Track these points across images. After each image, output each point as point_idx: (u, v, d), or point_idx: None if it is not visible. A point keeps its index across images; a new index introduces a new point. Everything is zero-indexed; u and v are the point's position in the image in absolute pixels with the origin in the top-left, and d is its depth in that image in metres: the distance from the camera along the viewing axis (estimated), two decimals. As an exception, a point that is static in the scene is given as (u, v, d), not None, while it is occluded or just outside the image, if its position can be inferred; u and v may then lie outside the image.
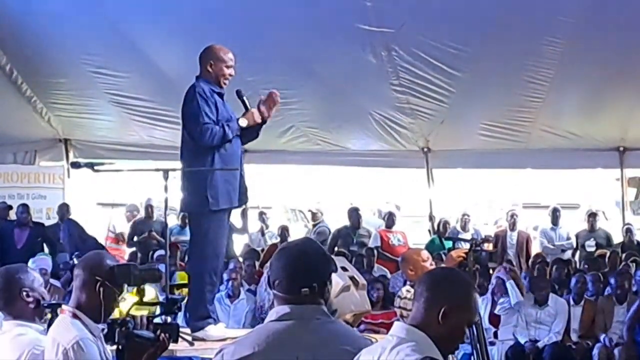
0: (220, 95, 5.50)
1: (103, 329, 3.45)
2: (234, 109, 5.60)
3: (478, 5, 9.38)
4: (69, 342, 3.31)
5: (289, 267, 2.92)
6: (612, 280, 9.34)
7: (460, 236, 12.62)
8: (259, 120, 5.53)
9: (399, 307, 5.77)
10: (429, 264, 5.85)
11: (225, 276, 9.09)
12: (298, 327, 2.86)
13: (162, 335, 3.37)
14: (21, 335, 3.68)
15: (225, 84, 5.50)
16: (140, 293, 3.48)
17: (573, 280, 9.51)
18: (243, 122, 5.46)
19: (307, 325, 2.86)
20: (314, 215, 13.40)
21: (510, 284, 9.04)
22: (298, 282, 2.90)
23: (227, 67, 5.48)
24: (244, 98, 5.56)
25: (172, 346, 3.60)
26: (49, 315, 3.93)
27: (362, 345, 2.88)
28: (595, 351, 8.88)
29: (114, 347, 3.41)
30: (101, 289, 3.41)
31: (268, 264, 9.86)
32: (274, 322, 2.89)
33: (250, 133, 5.63)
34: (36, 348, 3.60)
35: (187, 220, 5.86)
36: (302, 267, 2.92)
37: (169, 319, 3.62)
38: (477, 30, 9.69)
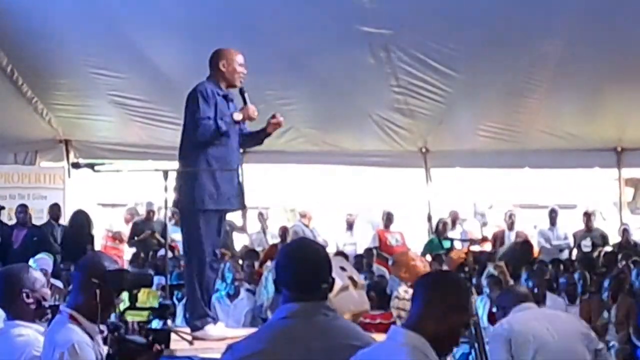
0: (225, 97, 5.56)
1: (103, 331, 3.47)
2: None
3: (476, 7, 9.42)
4: (64, 344, 3.33)
5: (300, 267, 2.96)
6: (605, 282, 9.37)
7: (449, 234, 12.69)
8: (253, 115, 5.59)
9: (397, 308, 5.79)
10: (419, 262, 5.92)
11: (227, 275, 9.13)
12: (307, 323, 2.89)
13: (157, 346, 3.36)
14: (21, 335, 3.70)
15: (241, 82, 5.60)
16: (133, 298, 3.49)
17: (562, 281, 9.55)
18: (237, 116, 5.54)
19: (315, 321, 2.90)
20: (303, 216, 13.49)
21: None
22: (309, 281, 2.94)
23: (240, 65, 5.59)
24: (245, 95, 5.64)
25: (171, 345, 3.63)
26: (50, 316, 3.94)
27: (368, 341, 2.94)
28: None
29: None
30: (98, 291, 3.42)
31: (271, 264, 9.82)
32: (283, 319, 2.92)
33: (254, 139, 5.79)
34: (35, 349, 3.61)
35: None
36: (311, 266, 2.97)
37: (169, 323, 3.64)
38: (475, 32, 9.72)
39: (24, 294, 3.78)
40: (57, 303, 3.84)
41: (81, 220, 11.90)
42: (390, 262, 6.52)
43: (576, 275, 9.73)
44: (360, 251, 11.90)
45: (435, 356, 2.79)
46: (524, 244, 11.87)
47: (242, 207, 5.76)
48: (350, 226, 13.29)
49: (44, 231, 11.80)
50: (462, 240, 12.64)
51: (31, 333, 3.71)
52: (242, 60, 5.62)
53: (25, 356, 3.60)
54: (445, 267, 6.11)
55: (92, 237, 12.12)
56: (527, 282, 9.31)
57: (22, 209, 11.73)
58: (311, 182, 16.20)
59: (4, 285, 3.86)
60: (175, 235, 12.13)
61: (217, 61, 5.57)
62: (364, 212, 14.65)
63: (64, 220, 12.49)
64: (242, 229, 12.90)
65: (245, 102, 5.63)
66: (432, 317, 2.81)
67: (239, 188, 5.63)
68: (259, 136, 5.80)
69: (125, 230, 13.18)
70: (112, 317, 3.50)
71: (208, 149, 5.43)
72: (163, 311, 3.57)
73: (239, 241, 12.94)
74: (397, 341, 2.81)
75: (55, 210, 12.21)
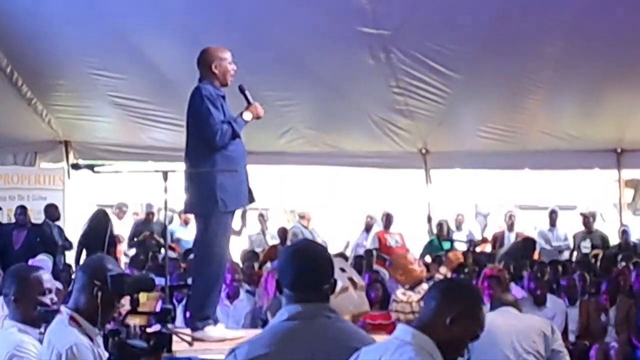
0: (223, 97, 5.56)
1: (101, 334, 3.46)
2: (237, 104, 5.66)
3: (476, 8, 9.43)
4: (63, 346, 3.34)
5: (302, 267, 2.96)
6: (603, 283, 9.38)
7: (454, 236, 12.73)
8: (261, 113, 5.61)
9: (396, 311, 5.77)
10: (417, 266, 5.91)
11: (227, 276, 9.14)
12: (310, 325, 2.89)
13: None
14: (11, 334, 3.70)
15: (231, 80, 5.57)
16: (134, 302, 3.47)
17: (562, 282, 9.57)
18: (247, 116, 5.53)
19: (318, 323, 2.90)
20: (302, 218, 13.53)
21: (514, 286, 9.09)
22: (312, 281, 2.94)
23: (229, 63, 5.55)
24: (246, 92, 5.63)
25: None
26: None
27: (371, 343, 2.93)
28: (592, 352, 8.90)
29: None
30: (99, 294, 3.43)
31: (270, 265, 9.77)
32: (286, 322, 2.92)
33: None
34: (18, 350, 3.61)
35: (195, 220, 5.87)
36: (313, 266, 2.97)
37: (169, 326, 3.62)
38: (475, 33, 9.74)
39: (19, 296, 3.79)
40: (53, 309, 3.80)
41: (102, 220, 11.94)
42: (387, 263, 6.52)
43: (576, 277, 9.74)
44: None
45: (442, 359, 2.80)
46: (526, 241, 11.90)
47: (252, 201, 5.71)
48: (368, 228, 13.28)
49: (45, 231, 11.81)
50: (463, 242, 12.69)
51: (18, 335, 3.70)
52: (231, 56, 5.58)
53: (6, 356, 3.59)
54: (443, 269, 6.10)
55: (114, 238, 12.21)
56: (529, 284, 9.33)
57: (22, 210, 11.73)
58: (311, 183, 16.20)
59: (5, 285, 3.88)
60: (181, 234, 12.23)
61: (208, 63, 5.52)
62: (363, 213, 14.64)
63: (64, 220, 12.50)
64: (239, 232, 12.90)
65: (248, 101, 5.62)
66: (442, 322, 2.82)
67: (247, 185, 5.63)
68: None
69: (119, 228, 13.20)
70: (111, 323, 3.48)
71: (223, 149, 5.42)
72: (164, 315, 3.55)
73: (235, 244, 12.93)
74: (404, 340, 2.82)
75: (51, 211, 12.21)
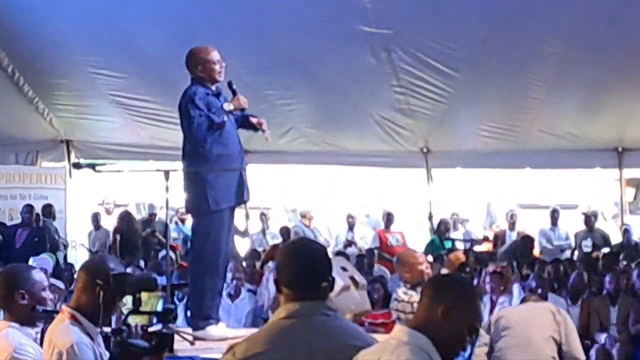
0: (216, 95, 5.59)
1: (101, 332, 3.47)
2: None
3: (477, 7, 9.43)
4: (64, 345, 3.34)
5: (300, 265, 2.96)
6: (607, 282, 9.38)
7: (451, 235, 12.73)
8: (244, 104, 5.62)
9: (396, 310, 5.76)
10: (425, 267, 5.89)
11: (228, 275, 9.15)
12: (308, 323, 2.89)
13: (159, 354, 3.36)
14: (8, 335, 3.68)
15: (220, 77, 5.61)
16: (137, 302, 3.47)
17: (570, 280, 9.56)
18: (227, 106, 5.56)
19: (317, 321, 2.90)
20: (303, 217, 13.55)
21: (517, 286, 9.09)
22: (310, 279, 2.94)
23: (214, 64, 5.58)
24: (234, 87, 5.67)
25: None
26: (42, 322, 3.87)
27: (370, 341, 2.93)
28: (592, 352, 8.89)
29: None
30: (101, 293, 3.42)
31: (271, 264, 9.82)
32: (284, 320, 2.92)
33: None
34: (17, 352, 3.59)
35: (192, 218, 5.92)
36: (311, 264, 2.97)
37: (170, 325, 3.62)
38: (476, 32, 9.74)
39: (19, 295, 3.76)
40: (51, 309, 3.80)
41: (130, 221, 12.05)
42: (395, 260, 6.53)
43: (577, 276, 9.74)
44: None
45: (439, 358, 2.79)
46: (525, 239, 11.91)
47: (247, 199, 5.74)
48: (351, 227, 13.33)
49: (45, 231, 11.83)
50: (464, 241, 12.68)
51: (17, 335, 3.69)
52: (217, 56, 5.61)
53: (6, 358, 3.58)
54: (445, 271, 6.09)
55: (142, 238, 12.29)
56: (532, 282, 9.33)
57: (28, 209, 11.78)
58: (312, 182, 16.20)
59: (1, 284, 3.83)
60: (174, 233, 12.24)
61: (193, 66, 5.61)
62: (365, 212, 14.65)
63: (65, 220, 12.52)
64: (244, 233, 12.90)
65: (234, 93, 5.66)
66: (435, 316, 2.81)
67: (244, 182, 5.64)
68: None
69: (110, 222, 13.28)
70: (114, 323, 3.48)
71: (211, 148, 5.45)
72: (167, 315, 3.55)
73: (240, 245, 12.94)
74: (401, 340, 2.81)
75: (48, 210, 12.24)
